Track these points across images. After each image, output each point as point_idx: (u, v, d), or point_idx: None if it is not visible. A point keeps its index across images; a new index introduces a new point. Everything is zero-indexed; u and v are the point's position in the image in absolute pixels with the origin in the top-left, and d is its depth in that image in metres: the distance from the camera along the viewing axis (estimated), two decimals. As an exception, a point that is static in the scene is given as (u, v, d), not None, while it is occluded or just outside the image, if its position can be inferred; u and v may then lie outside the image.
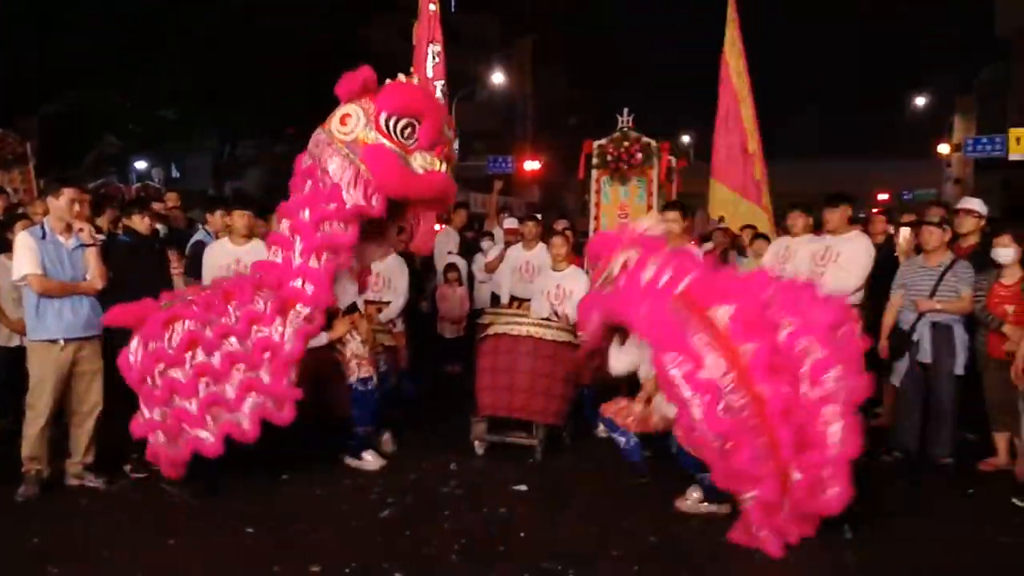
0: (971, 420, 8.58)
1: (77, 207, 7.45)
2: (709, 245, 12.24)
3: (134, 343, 7.23)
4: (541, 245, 10.72)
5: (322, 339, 7.63)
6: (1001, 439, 8.19)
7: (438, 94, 12.36)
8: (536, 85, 54.62)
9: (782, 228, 10.78)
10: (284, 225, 7.57)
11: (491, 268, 11.97)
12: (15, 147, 14.09)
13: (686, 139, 51.50)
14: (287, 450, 7.89)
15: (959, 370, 8.23)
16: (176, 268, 8.88)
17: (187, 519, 6.84)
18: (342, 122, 7.39)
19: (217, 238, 9.32)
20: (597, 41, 59.36)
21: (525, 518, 6.95)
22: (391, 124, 7.33)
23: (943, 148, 46.38)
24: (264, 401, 7.18)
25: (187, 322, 7.21)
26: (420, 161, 7.45)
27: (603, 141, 12.90)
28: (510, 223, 12.83)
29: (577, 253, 10.34)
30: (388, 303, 9.57)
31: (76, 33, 26.67)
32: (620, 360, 7.37)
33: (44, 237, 7.27)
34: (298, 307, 7.33)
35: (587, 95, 54.68)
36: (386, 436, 8.45)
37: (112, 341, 7.54)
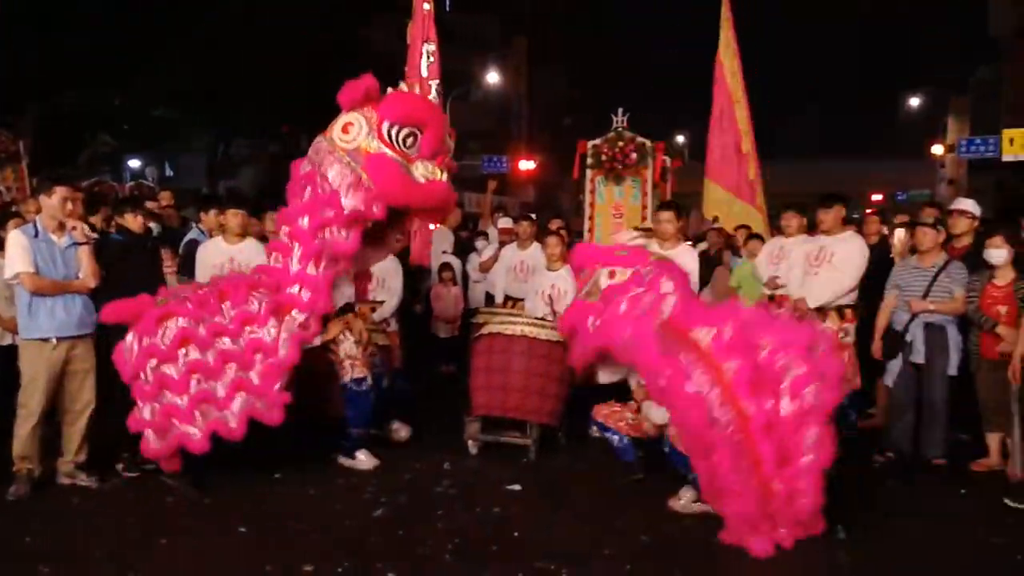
0: (964, 420, 8.59)
1: (70, 205, 7.42)
2: (703, 245, 12.26)
3: (129, 338, 7.24)
4: (536, 245, 10.70)
5: (315, 340, 7.62)
6: (993, 440, 8.20)
7: (433, 93, 12.33)
8: (531, 85, 54.65)
9: (776, 228, 10.79)
10: (284, 231, 7.57)
11: (486, 268, 11.95)
12: (7, 145, 14.08)
13: (680, 139, 51.55)
14: (280, 450, 7.89)
15: (952, 371, 8.23)
16: (169, 267, 8.87)
17: (179, 518, 6.84)
18: (344, 130, 7.41)
19: (211, 237, 9.30)
20: (592, 41, 59.45)
21: (519, 518, 6.94)
22: (393, 133, 7.36)
23: (937, 149, 46.46)
24: (253, 401, 7.22)
25: (180, 319, 7.23)
26: (422, 170, 7.47)
27: (598, 141, 12.92)
28: (505, 223, 12.81)
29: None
30: (382, 302, 9.55)
31: (73, 32, 26.64)
32: (607, 372, 7.42)
33: (37, 235, 7.25)
34: (294, 313, 7.36)
35: (582, 95, 54.76)
36: (396, 424, 8.43)
37: (105, 340, 7.52)
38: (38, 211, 7.58)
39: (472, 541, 6.44)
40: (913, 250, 8.69)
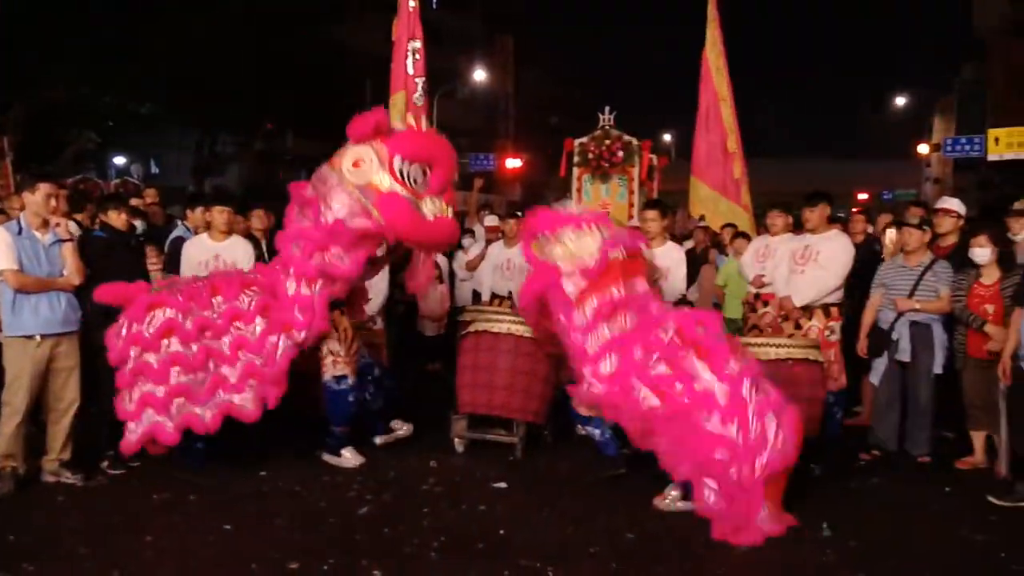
0: (948, 418, 8.62)
1: (53, 202, 7.40)
2: (690, 243, 12.27)
3: (120, 323, 7.36)
4: (522, 243, 10.70)
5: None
6: (978, 438, 8.23)
7: (419, 91, 12.32)
8: (518, 83, 54.69)
9: (762, 227, 10.81)
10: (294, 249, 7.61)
11: (472, 266, 11.95)
12: (-9, 142, 14.00)
13: (667, 137, 51.67)
14: (265, 447, 7.88)
15: (938, 369, 8.28)
16: (155, 264, 8.86)
17: (165, 516, 6.81)
18: (355, 165, 7.37)
19: (197, 234, 9.28)
20: (579, 40, 59.55)
21: (505, 516, 6.94)
22: (404, 169, 7.36)
23: (923, 148, 46.63)
24: (230, 398, 7.33)
25: (168, 309, 7.35)
26: (430, 207, 7.49)
27: (585, 139, 12.95)
28: (491, 221, 12.80)
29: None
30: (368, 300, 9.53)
31: (59, 30, 26.57)
32: None
33: (20, 232, 7.22)
34: (293, 332, 7.45)
35: (569, 93, 54.78)
36: (397, 422, 8.40)
37: (90, 337, 7.51)
38: (22, 208, 7.54)
39: (458, 539, 6.42)
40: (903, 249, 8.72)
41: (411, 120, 7.68)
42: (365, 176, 7.35)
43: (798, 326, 8.35)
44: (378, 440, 8.25)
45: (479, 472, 7.96)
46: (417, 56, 12.33)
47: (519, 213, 12.15)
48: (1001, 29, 38.98)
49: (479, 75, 45.49)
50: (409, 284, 8.18)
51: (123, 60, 28.33)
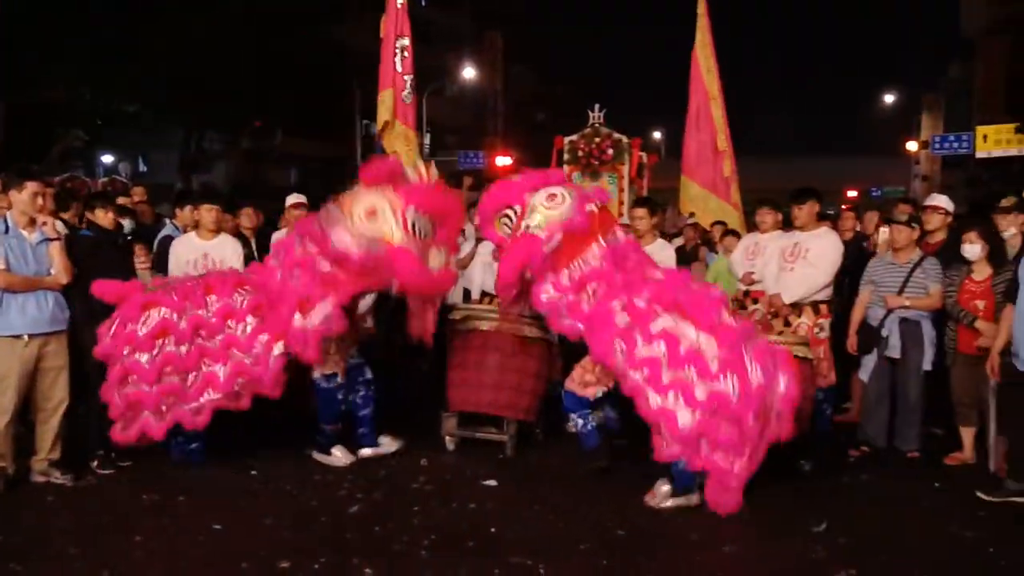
0: (937, 415, 8.65)
1: (40, 201, 7.38)
2: (680, 241, 12.28)
3: (113, 320, 7.37)
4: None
5: None
6: (967, 434, 8.25)
7: (407, 89, 12.30)
8: (507, 80, 54.70)
9: (752, 224, 10.82)
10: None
11: (463, 264, 11.92)
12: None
13: (657, 135, 51.71)
14: (255, 445, 7.87)
15: (927, 365, 8.30)
16: (144, 262, 8.83)
17: (154, 516, 6.79)
18: (368, 214, 7.31)
19: (185, 232, 9.27)
20: (568, 37, 59.74)
21: (495, 513, 6.94)
22: (416, 221, 7.33)
23: (911, 145, 46.71)
24: (220, 397, 7.40)
25: (163, 309, 7.38)
26: (435, 259, 7.48)
27: (574, 137, 12.94)
28: (481, 219, 12.77)
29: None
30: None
31: (48, 28, 26.53)
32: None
33: (7, 231, 7.19)
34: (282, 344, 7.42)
35: (558, 91, 54.81)
36: (385, 439, 8.32)
37: (78, 337, 7.50)
38: (8, 207, 7.51)
39: (448, 537, 6.43)
40: (897, 247, 8.74)
41: (422, 169, 7.64)
42: (378, 228, 7.26)
43: (787, 323, 8.36)
44: (366, 452, 8.18)
45: (470, 470, 7.95)
46: (405, 54, 12.31)
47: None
48: (988, 28, 39.08)
49: (468, 72, 45.50)
50: (412, 328, 8.12)
51: (123, 60, 28.30)
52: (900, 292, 8.30)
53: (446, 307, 11.40)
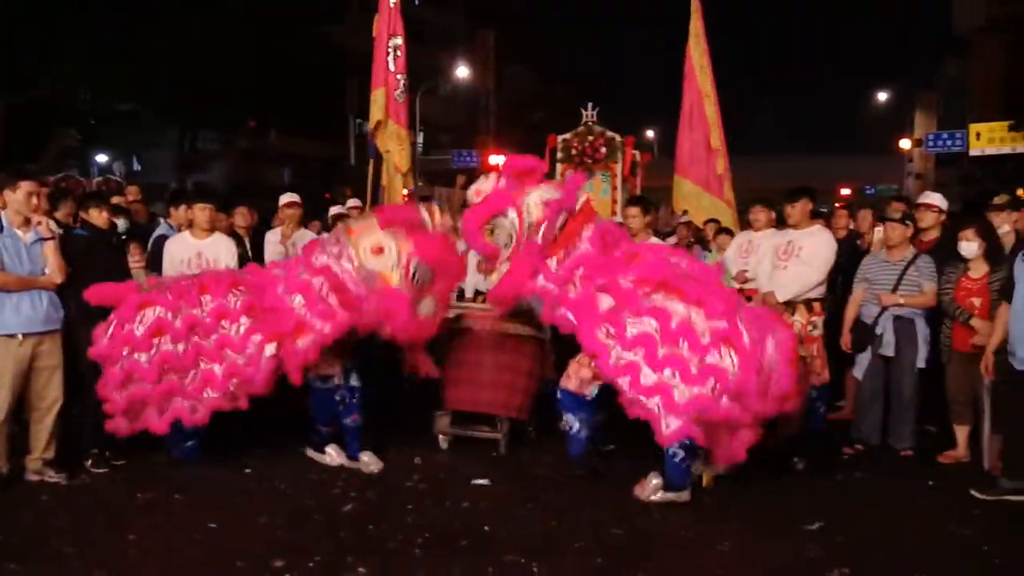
0: (930, 412, 8.66)
1: (35, 200, 7.37)
2: (673, 239, 12.28)
3: (110, 321, 7.38)
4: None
5: None
6: (961, 432, 8.26)
7: (400, 88, 12.29)
8: (500, 79, 54.69)
9: (745, 222, 10.82)
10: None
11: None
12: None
13: (650, 134, 51.68)
14: (250, 444, 7.87)
15: (921, 363, 8.30)
16: (138, 261, 8.82)
17: (149, 514, 6.80)
18: (375, 251, 7.35)
19: (180, 232, 9.26)
20: (561, 35, 59.75)
21: (489, 512, 6.95)
22: (417, 270, 7.36)
23: (905, 143, 46.73)
24: (217, 396, 7.41)
25: (158, 308, 7.39)
26: (425, 307, 7.50)
27: (567, 135, 12.91)
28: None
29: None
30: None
31: (42, 27, 26.51)
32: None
33: (1, 231, 7.19)
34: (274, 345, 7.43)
35: (551, 89, 54.79)
36: (367, 457, 8.22)
37: (72, 337, 7.50)
38: (3, 206, 7.49)
39: (442, 535, 6.44)
40: (891, 245, 8.75)
41: (438, 219, 7.62)
42: (380, 265, 7.34)
43: (781, 321, 8.37)
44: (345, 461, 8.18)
45: (463, 469, 7.96)
46: (398, 53, 12.29)
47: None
48: (982, 26, 39.10)
49: (461, 71, 45.50)
50: (407, 365, 8.13)
51: (123, 60, 28.28)
52: (894, 290, 8.30)
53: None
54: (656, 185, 15.67)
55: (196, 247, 8.57)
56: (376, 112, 12.08)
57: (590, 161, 12.92)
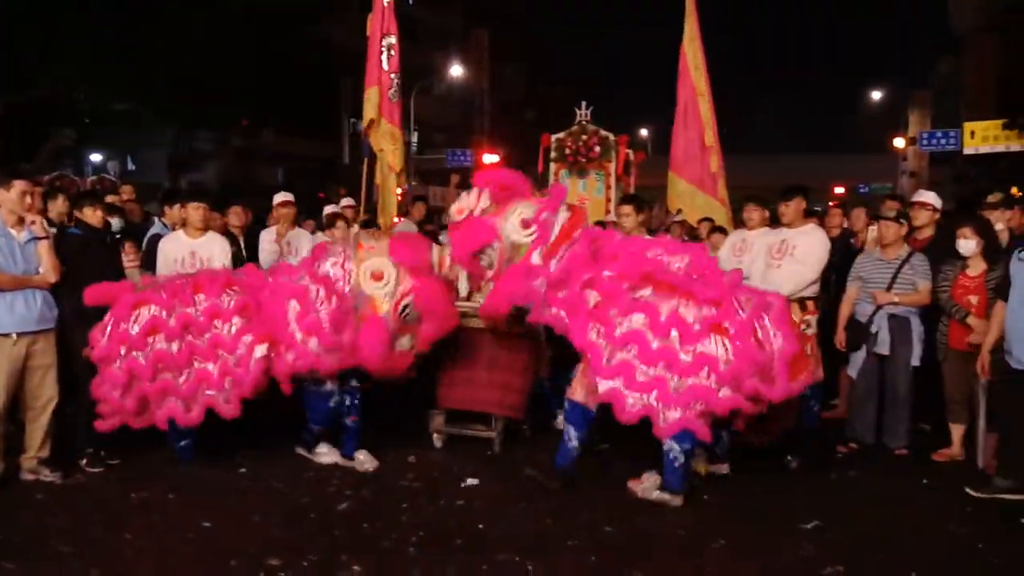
0: (924, 411, 8.68)
1: (28, 199, 7.37)
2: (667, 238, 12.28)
3: (107, 321, 7.39)
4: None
5: None
6: (956, 430, 8.27)
7: (393, 87, 12.27)
8: (494, 79, 54.68)
9: (739, 221, 10.83)
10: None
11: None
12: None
13: (644, 133, 51.72)
14: (245, 443, 7.88)
15: (915, 361, 8.32)
16: (132, 260, 8.83)
17: (144, 513, 6.80)
18: (375, 276, 7.38)
19: (174, 231, 9.26)
20: (557, 35, 59.74)
21: (483, 510, 6.96)
22: (407, 309, 7.37)
23: (899, 142, 46.77)
24: (215, 394, 7.43)
25: (153, 307, 7.41)
26: (404, 343, 7.53)
27: (561, 134, 12.93)
28: (469, 217, 12.76)
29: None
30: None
31: (57, 28, 26.52)
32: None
33: (-5, 230, 7.20)
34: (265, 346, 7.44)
35: (545, 88, 54.80)
36: (362, 456, 8.25)
37: (66, 336, 7.50)
38: (-2, 206, 7.50)
39: (436, 534, 6.44)
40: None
41: (446, 268, 7.60)
42: (374, 291, 7.37)
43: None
44: (340, 460, 8.17)
45: (457, 467, 7.96)
46: (392, 52, 12.27)
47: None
48: (977, 25, 39.17)
49: (455, 70, 45.50)
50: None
51: (123, 60, 28.26)
52: (889, 288, 8.31)
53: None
54: (650, 184, 15.69)
55: (190, 246, 8.57)
56: (369, 111, 12.07)
57: (584, 160, 12.95)
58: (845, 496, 7.38)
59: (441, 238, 12.69)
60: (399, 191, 12.79)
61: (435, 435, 8.60)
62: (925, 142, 34.12)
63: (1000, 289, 7.50)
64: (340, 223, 10.15)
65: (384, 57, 12.14)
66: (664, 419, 6.70)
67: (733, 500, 7.12)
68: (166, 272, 8.26)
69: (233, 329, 7.43)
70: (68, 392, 7.56)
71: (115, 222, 9.25)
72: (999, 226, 8.69)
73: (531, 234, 7.00)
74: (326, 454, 8.02)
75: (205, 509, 6.83)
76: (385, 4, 12.23)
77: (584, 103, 12.85)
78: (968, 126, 27.47)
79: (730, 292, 6.77)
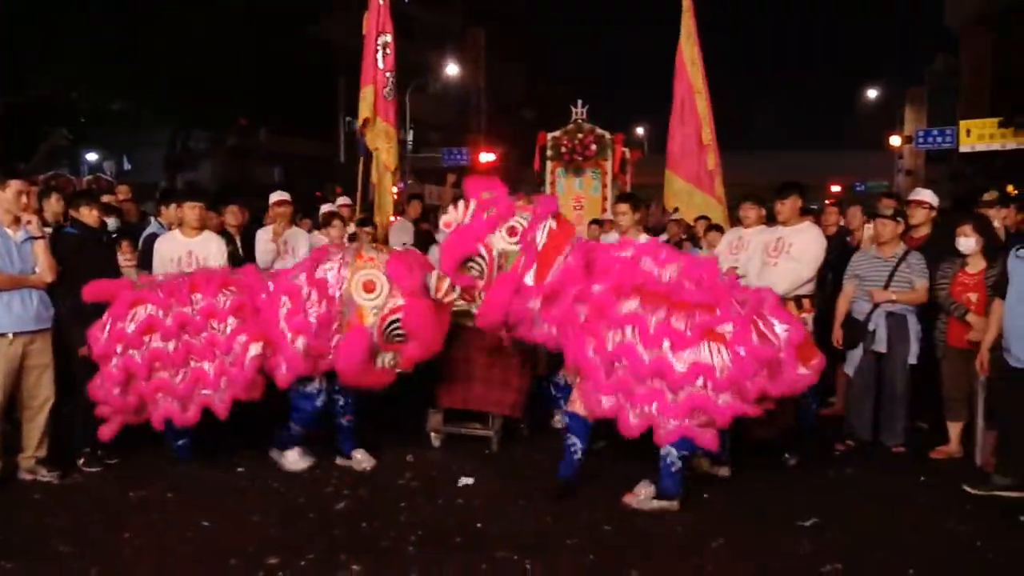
0: (921, 409, 8.68)
1: (24, 199, 7.37)
2: (664, 237, 12.30)
3: (105, 320, 7.39)
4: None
5: None
6: (954, 428, 8.27)
7: (389, 86, 12.27)
8: (490, 77, 54.70)
9: (736, 219, 10.84)
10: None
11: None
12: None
13: (640, 131, 51.76)
14: (243, 442, 7.87)
15: (912, 359, 8.32)
16: (129, 260, 8.83)
17: (142, 513, 6.80)
18: (367, 287, 7.37)
19: (171, 230, 9.26)
20: (554, 34, 59.75)
21: (481, 509, 6.96)
22: (393, 326, 7.36)
23: (895, 140, 46.82)
24: (210, 394, 7.41)
25: (149, 306, 7.40)
26: (385, 360, 7.51)
27: (557, 133, 12.95)
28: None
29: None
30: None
31: (57, 28, 26.51)
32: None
33: (-9, 230, 7.20)
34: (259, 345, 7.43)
35: (541, 87, 54.82)
36: (360, 455, 8.24)
37: (63, 335, 7.50)
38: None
39: (435, 533, 6.44)
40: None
41: (442, 293, 7.56)
42: (364, 302, 7.36)
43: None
44: (338, 461, 8.07)
45: (456, 466, 7.95)
46: (387, 50, 12.27)
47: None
48: (973, 21, 39.17)
49: (451, 69, 45.50)
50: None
51: (123, 60, 28.25)
52: (886, 286, 8.31)
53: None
54: (647, 182, 15.73)
55: (186, 245, 8.57)
56: (364, 109, 12.08)
57: (580, 158, 12.97)
58: (843, 494, 7.38)
59: (438, 236, 12.73)
60: (395, 190, 12.78)
61: (433, 434, 8.60)
62: (921, 140, 34.11)
63: (998, 287, 7.50)
64: (336, 222, 10.13)
65: (379, 55, 12.14)
66: (665, 428, 6.69)
67: (732, 499, 7.12)
68: (162, 272, 8.25)
69: (228, 329, 7.42)
70: (65, 392, 7.57)
71: (111, 222, 9.26)
72: (995, 224, 8.70)
73: (518, 241, 6.99)
74: (296, 461, 7.86)
75: (204, 508, 6.83)
76: (381, 2, 12.23)
77: (580, 101, 12.85)
78: (964, 124, 27.46)
79: (726, 292, 6.77)
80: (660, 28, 15.54)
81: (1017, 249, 7.35)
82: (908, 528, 6.63)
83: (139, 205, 12.78)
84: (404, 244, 12.38)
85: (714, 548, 6.20)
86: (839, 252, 9.56)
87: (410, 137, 40.49)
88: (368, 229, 10.68)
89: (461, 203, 7.30)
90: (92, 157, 36.32)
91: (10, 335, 7.14)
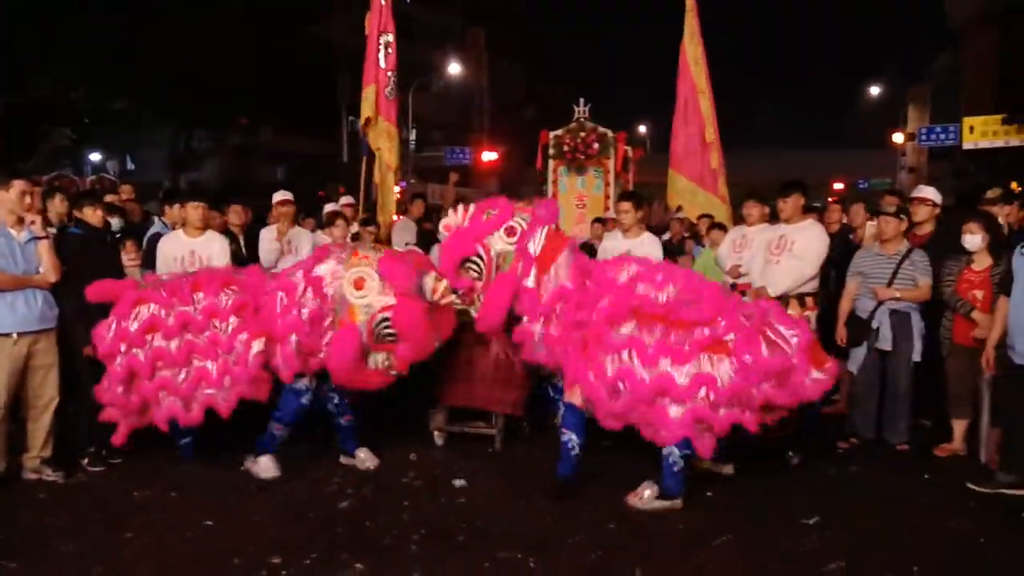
0: (924, 406, 8.67)
1: (28, 199, 7.37)
2: (667, 235, 12.30)
3: (110, 319, 7.37)
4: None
5: None
6: (959, 425, 8.26)
7: (391, 85, 12.26)
8: (492, 76, 54.68)
9: (739, 217, 10.84)
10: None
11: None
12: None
13: (642, 130, 51.73)
14: (245, 442, 7.87)
15: (916, 357, 8.31)
16: (133, 260, 8.84)
17: (145, 512, 6.80)
18: (357, 284, 7.36)
19: (175, 230, 9.26)
20: (556, 33, 59.69)
21: (484, 507, 6.96)
22: (383, 326, 7.34)
23: (898, 137, 46.70)
24: (214, 393, 7.39)
25: (152, 305, 7.39)
26: (377, 361, 7.48)
27: (560, 131, 12.93)
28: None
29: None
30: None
31: (57, 28, 26.54)
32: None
33: (-5, 230, 7.20)
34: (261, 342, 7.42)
35: (543, 86, 54.79)
36: (363, 454, 8.22)
37: (67, 335, 7.50)
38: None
39: (438, 531, 6.45)
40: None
41: (438, 295, 7.54)
42: (354, 299, 7.34)
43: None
44: (342, 460, 8.09)
45: (458, 465, 7.96)
46: (389, 50, 12.26)
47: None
48: (975, 18, 39.11)
49: (453, 68, 45.48)
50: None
51: (123, 60, 28.28)
52: (889, 284, 8.31)
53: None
54: (649, 180, 15.70)
55: (189, 245, 8.57)
56: (366, 109, 12.07)
57: (582, 157, 12.97)
58: (846, 492, 7.37)
59: (440, 236, 12.72)
60: (397, 189, 12.78)
61: (436, 433, 8.61)
62: (924, 137, 34.10)
63: (1003, 284, 7.50)
64: (340, 221, 10.13)
65: (381, 55, 12.13)
66: (668, 431, 6.70)
67: (734, 497, 7.13)
68: (166, 271, 8.26)
69: (230, 328, 7.42)
70: (70, 392, 7.59)
71: (115, 222, 9.27)
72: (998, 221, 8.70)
73: (516, 242, 7.00)
74: (269, 469, 7.73)
75: (206, 508, 6.84)
76: (383, 2, 12.22)
77: (582, 100, 12.84)
78: (967, 121, 27.49)
79: (729, 305, 6.76)
80: (660, 28, 15.52)
81: (1022, 246, 7.35)
82: (911, 526, 6.62)
83: (142, 205, 12.79)
84: (407, 243, 12.39)
85: (716, 546, 6.20)
86: (842, 250, 9.55)
87: (413, 136, 40.53)
88: (371, 229, 10.69)
89: (461, 206, 7.31)
90: (96, 157, 36.37)
91: (15, 335, 7.15)
